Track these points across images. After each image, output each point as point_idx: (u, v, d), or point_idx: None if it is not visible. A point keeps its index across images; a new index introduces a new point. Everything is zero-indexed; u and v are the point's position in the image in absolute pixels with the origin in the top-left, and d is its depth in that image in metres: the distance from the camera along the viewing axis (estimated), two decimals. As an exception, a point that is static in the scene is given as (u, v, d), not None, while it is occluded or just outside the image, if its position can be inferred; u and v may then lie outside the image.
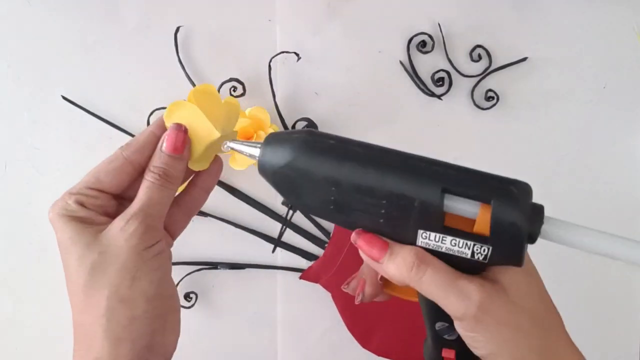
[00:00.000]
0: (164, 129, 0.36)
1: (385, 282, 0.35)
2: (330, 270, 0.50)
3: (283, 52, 0.50)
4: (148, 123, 0.49)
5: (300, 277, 0.50)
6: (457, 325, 0.30)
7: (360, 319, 0.50)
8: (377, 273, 0.35)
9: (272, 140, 0.32)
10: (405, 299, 0.34)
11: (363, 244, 0.31)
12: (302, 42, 0.50)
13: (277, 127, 0.48)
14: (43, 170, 0.49)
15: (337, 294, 0.50)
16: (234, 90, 0.49)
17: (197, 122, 0.36)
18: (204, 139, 0.36)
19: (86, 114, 0.49)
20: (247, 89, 0.49)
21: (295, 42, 0.50)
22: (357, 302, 0.36)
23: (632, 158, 0.52)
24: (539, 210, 0.29)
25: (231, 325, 0.51)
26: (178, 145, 0.35)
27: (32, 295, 0.49)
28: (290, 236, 0.50)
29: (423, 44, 0.50)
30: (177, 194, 0.37)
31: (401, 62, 0.51)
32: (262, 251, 0.50)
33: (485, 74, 0.50)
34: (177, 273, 0.49)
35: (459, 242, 0.29)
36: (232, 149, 0.34)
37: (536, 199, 0.51)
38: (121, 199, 0.36)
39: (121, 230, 0.33)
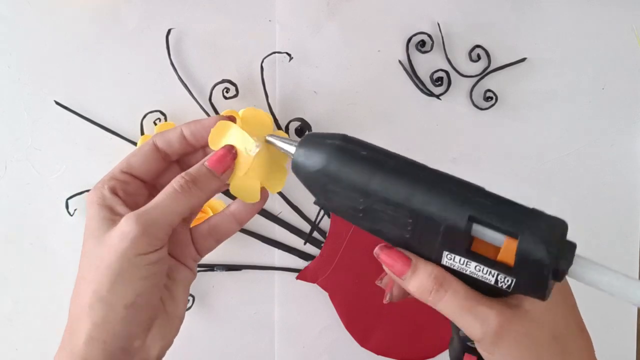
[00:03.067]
0: (196, 134, 0.37)
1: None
2: (327, 270, 0.50)
3: (276, 52, 0.49)
4: (141, 126, 0.49)
5: (297, 278, 0.50)
6: (476, 345, 0.31)
7: (359, 318, 0.50)
8: None
9: (307, 142, 0.33)
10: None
11: (386, 258, 0.32)
12: (302, 42, 0.50)
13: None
14: (43, 171, 0.50)
15: (334, 293, 0.50)
16: (227, 92, 0.49)
17: (241, 147, 0.37)
18: (243, 168, 0.37)
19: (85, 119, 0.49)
20: (242, 89, 0.49)
21: (294, 42, 0.50)
22: (385, 301, 0.36)
23: (631, 159, 0.52)
24: (570, 249, 0.28)
25: (229, 326, 0.51)
26: (221, 165, 0.36)
27: (32, 295, 0.50)
28: (286, 237, 0.51)
29: (422, 43, 0.50)
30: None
31: (400, 62, 0.51)
32: (258, 252, 0.50)
33: (484, 74, 0.50)
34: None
35: (482, 269, 0.29)
36: (269, 142, 0.36)
37: (535, 199, 0.51)
38: (153, 189, 0.37)
39: (119, 229, 0.32)
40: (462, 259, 0.29)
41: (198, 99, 0.49)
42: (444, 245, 0.30)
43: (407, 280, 0.31)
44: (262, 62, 0.49)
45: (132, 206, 0.34)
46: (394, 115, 0.51)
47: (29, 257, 0.50)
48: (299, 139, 0.34)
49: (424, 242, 0.30)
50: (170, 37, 0.49)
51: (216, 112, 0.49)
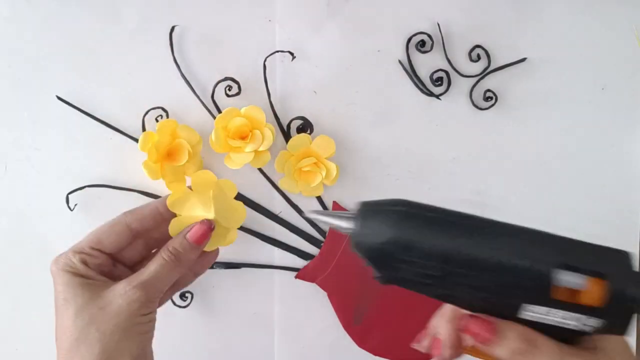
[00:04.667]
0: (166, 207, 0.42)
1: (472, 348, 0.33)
2: (326, 270, 0.50)
3: (278, 51, 0.50)
4: (143, 123, 0.49)
5: (296, 277, 0.50)
6: None
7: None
8: (455, 332, 0.33)
9: (367, 213, 0.30)
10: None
11: (475, 327, 0.30)
12: (301, 41, 0.50)
13: (272, 127, 0.48)
14: (43, 170, 0.50)
15: (333, 293, 0.50)
16: (229, 90, 0.49)
17: (201, 213, 0.42)
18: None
19: (86, 114, 0.49)
20: (244, 88, 0.49)
21: (294, 41, 0.50)
22: None
23: (630, 159, 0.52)
24: None
25: (227, 324, 0.51)
26: (202, 239, 0.41)
27: (32, 295, 0.50)
28: (286, 235, 0.51)
29: (422, 43, 0.50)
30: None
31: (400, 62, 0.51)
32: (257, 250, 0.50)
33: (484, 74, 0.50)
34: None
35: (567, 314, 0.28)
36: (317, 220, 0.32)
37: (535, 199, 0.51)
38: (115, 260, 0.42)
39: (125, 294, 0.38)
40: (544, 308, 0.28)
41: (200, 97, 0.49)
42: (525, 297, 0.28)
43: (495, 346, 0.30)
44: (265, 60, 0.49)
45: (101, 274, 0.40)
46: (393, 115, 0.51)
47: (29, 257, 0.50)
48: (347, 211, 0.31)
49: (501, 298, 0.29)
50: (172, 34, 0.49)
51: (218, 109, 0.49)
